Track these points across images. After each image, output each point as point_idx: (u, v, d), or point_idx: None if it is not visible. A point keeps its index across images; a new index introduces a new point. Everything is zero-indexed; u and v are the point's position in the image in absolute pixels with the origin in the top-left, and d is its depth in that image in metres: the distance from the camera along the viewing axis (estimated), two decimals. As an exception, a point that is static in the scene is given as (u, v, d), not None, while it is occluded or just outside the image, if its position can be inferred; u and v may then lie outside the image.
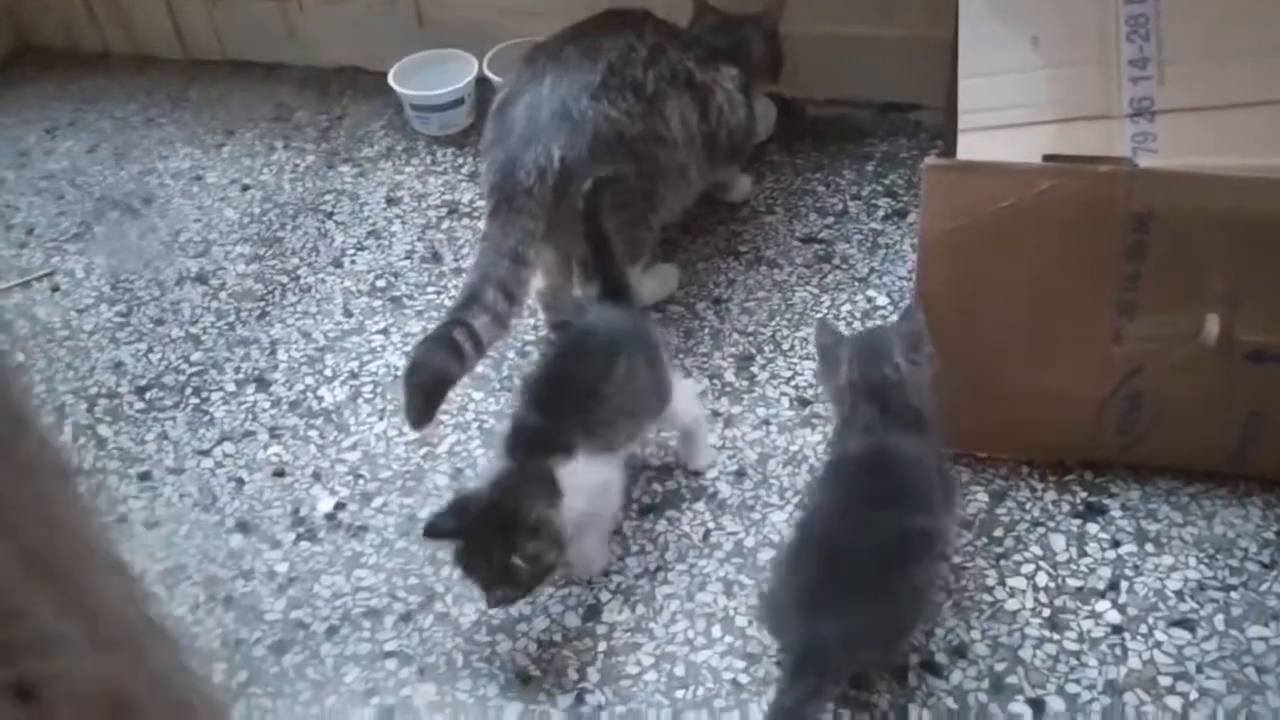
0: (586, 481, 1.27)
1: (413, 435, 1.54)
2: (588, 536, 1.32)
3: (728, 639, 1.29)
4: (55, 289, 1.87)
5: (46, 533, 0.44)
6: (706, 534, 1.40)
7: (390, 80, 2.08)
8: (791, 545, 1.24)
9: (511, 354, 1.66)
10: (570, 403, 1.30)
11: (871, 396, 1.26)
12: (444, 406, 1.54)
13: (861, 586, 1.15)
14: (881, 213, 1.84)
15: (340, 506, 1.48)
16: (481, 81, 2.06)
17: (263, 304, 1.80)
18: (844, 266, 1.75)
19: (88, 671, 0.42)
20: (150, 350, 1.74)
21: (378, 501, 1.48)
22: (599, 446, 1.30)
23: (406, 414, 1.37)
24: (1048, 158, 1.26)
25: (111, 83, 2.35)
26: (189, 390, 1.67)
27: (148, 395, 1.66)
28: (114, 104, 2.29)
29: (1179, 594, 1.29)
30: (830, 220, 1.83)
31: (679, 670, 1.27)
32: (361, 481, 1.51)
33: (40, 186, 2.09)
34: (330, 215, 1.96)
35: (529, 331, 1.69)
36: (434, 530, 1.25)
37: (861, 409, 1.26)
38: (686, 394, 1.46)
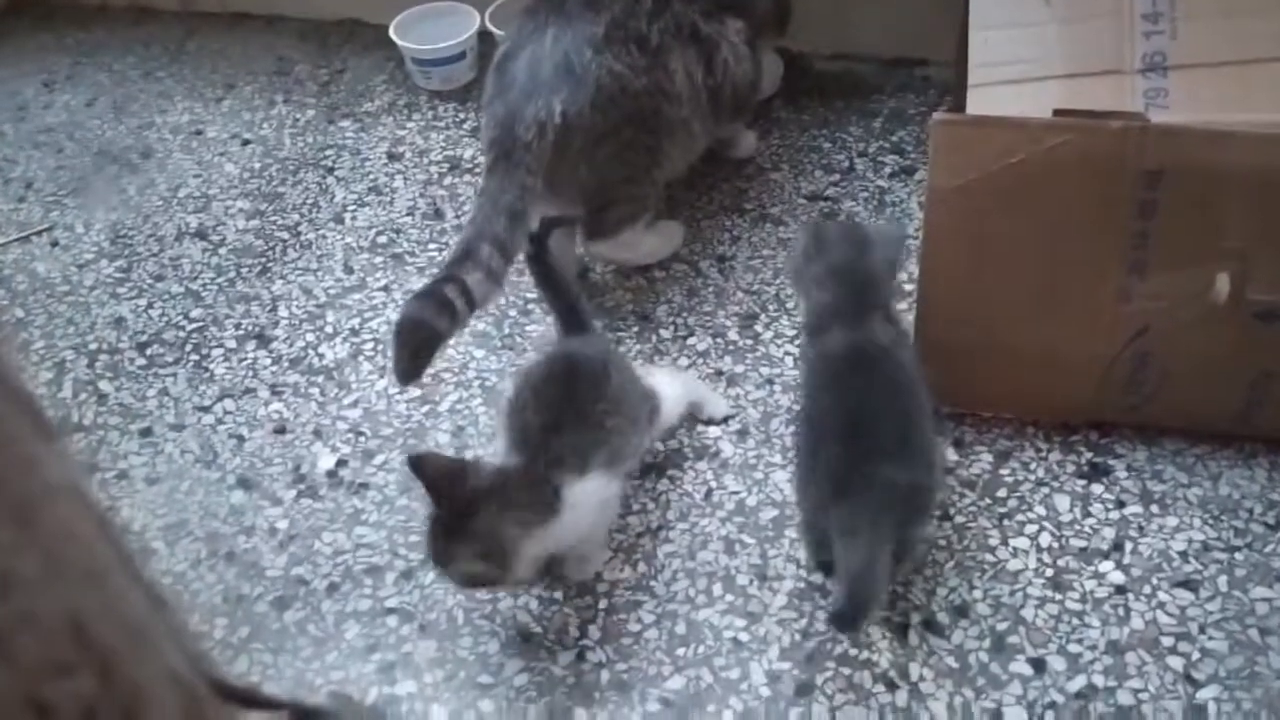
0: (594, 499, 1.25)
1: (414, 392, 1.54)
2: (587, 544, 1.31)
3: (728, 597, 1.29)
4: (54, 244, 1.85)
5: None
6: (708, 493, 1.39)
7: (391, 33, 2.06)
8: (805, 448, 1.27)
9: (514, 312, 1.65)
10: (576, 421, 1.26)
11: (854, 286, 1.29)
12: (445, 364, 1.55)
13: (881, 460, 1.18)
14: (888, 170, 1.82)
15: (341, 464, 1.48)
16: (483, 35, 2.04)
17: (263, 260, 1.79)
18: (850, 224, 1.73)
19: (48, 606, 0.41)
20: (150, 306, 1.73)
21: (379, 459, 1.48)
22: (607, 462, 1.26)
23: (394, 369, 1.35)
24: (1058, 113, 1.24)
25: (110, 35, 2.32)
26: (189, 346, 1.66)
27: (148, 351, 1.66)
28: (112, 56, 2.26)
29: (1183, 555, 1.29)
30: (836, 177, 1.81)
31: (680, 628, 1.27)
32: (362, 439, 1.51)
33: (38, 140, 2.07)
34: (331, 170, 1.94)
35: (531, 289, 1.67)
36: (414, 465, 1.20)
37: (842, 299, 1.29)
38: (666, 384, 1.42)
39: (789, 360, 1.54)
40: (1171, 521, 1.32)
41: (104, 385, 1.61)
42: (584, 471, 1.23)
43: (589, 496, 1.23)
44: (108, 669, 0.43)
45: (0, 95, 2.18)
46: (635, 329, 1.61)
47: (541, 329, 1.62)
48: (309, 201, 1.88)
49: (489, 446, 1.47)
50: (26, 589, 0.40)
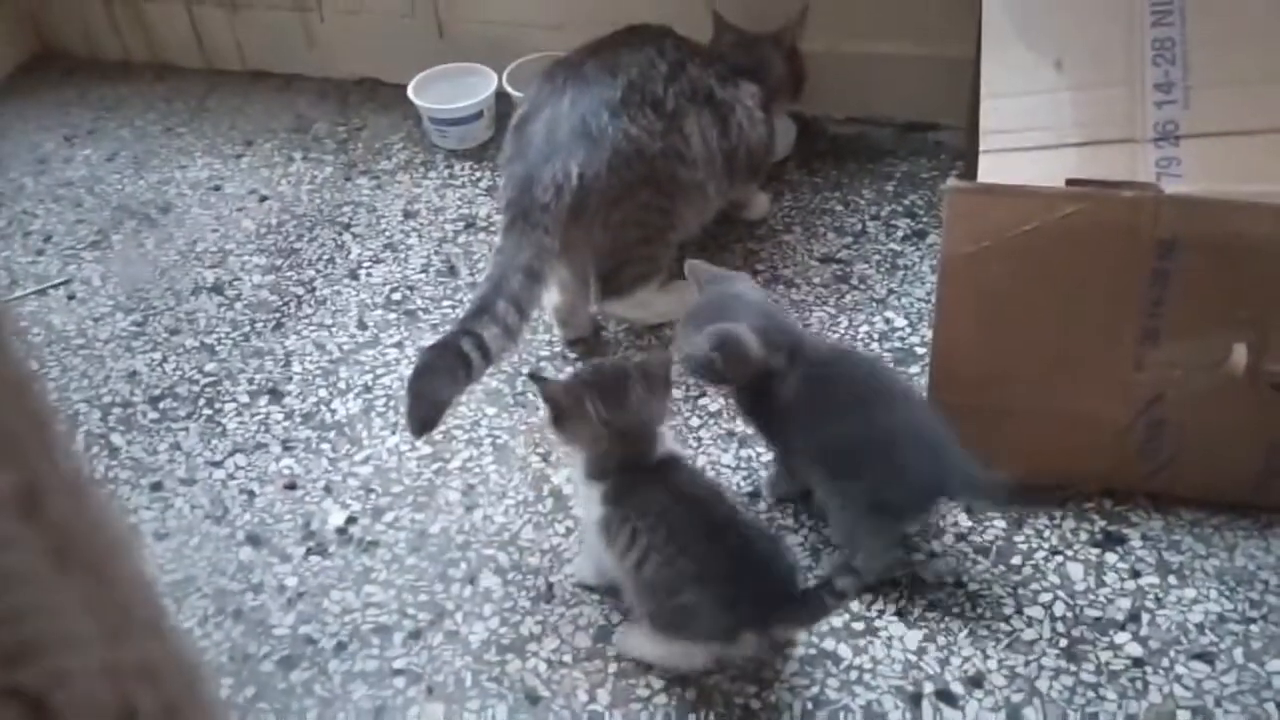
0: None
1: (425, 449, 1.54)
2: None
3: (739, 663, 1.27)
4: (71, 297, 1.87)
5: (73, 508, 0.42)
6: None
7: (409, 93, 2.08)
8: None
9: (527, 369, 1.65)
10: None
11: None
12: (456, 421, 1.55)
13: None
14: (901, 233, 1.83)
15: (351, 521, 1.47)
16: (501, 96, 2.06)
17: (278, 315, 1.80)
18: (862, 287, 1.74)
19: (97, 671, 0.41)
20: (164, 360, 1.74)
21: (389, 516, 1.47)
22: None
23: (409, 418, 1.36)
24: (1071, 182, 1.25)
25: (132, 91, 2.36)
26: (202, 401, 1.66)
27: (161, 405, 1.66)
28: (134, 112, 2.29)
29: (1199, 626, 1.27)
30: (849, 240, 1.82)
31: (690, 694, 1.25)
32: (373, 496, 1.50)
33: (58, 194, 2.09)
34: (347, 227, 1.96)
35: (544, 347, 1.68)
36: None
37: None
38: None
39: (801, 422, 1.54)
40: (1189, 593, 1.30)
41: (116, 439, 1.61)
42: None
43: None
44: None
45: (22, 149, 2.21)
46: (647, 389, 1.61)
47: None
48: (325, 257, 1.90)
49: (500, 504, 1.47)
50: (108, 642, 0.40)
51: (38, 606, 0.39)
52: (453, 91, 2.08)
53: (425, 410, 1.35)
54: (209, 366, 1.72)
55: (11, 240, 1.99)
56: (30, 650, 0.38)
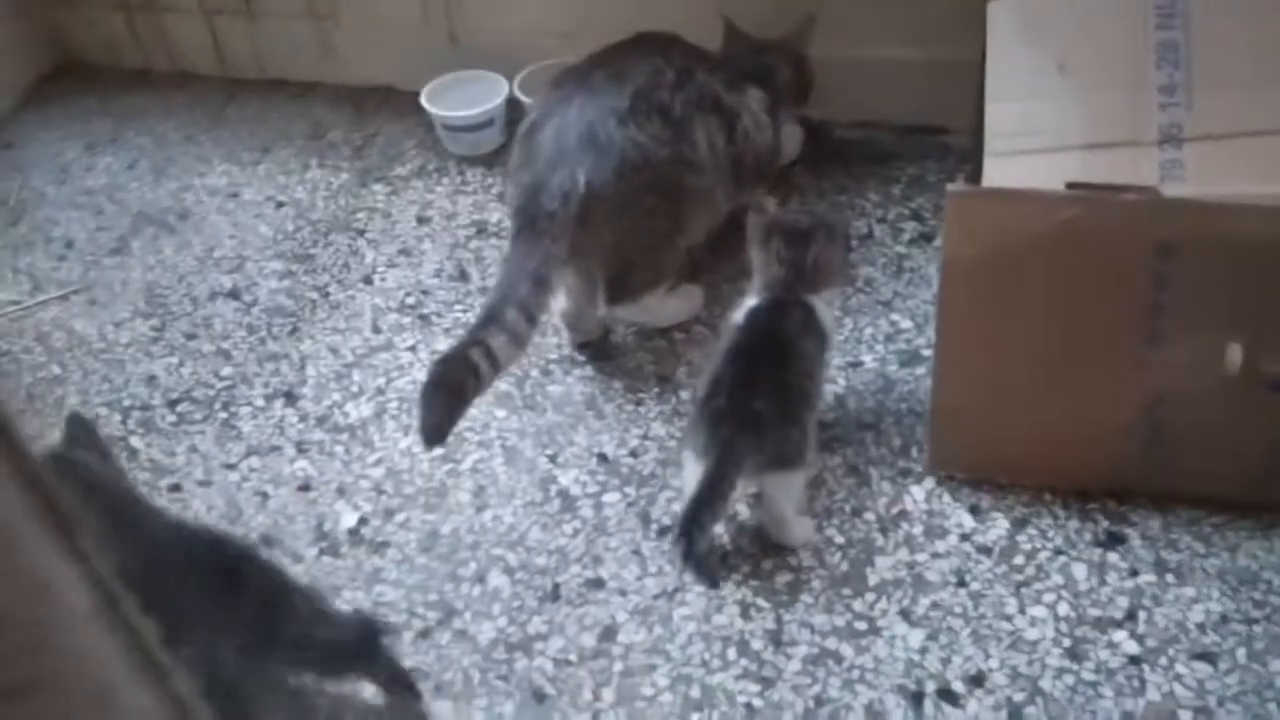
0: None
1: (437, 451, 1.56)
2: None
3: (743, 662, 1.29)
4: (92, 302, 1.90)
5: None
6: (725, 556, 1.40)
7: (422, 100, 2.11)
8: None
9: (535, 372, 1.67)
10: None
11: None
12: (467, 424, 1.57)
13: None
14: (907, 236, 1.84)
15: (363, 522, 1.50)
16: (512, 103, 2.08)
17: (293, 319, 1.83)
18: (867, 290, 1.75)
19: None
20: (182, 364, 1.77)
21: (400, 517, 1.50)
22: None
23: (420, 431, 1.39)
24: (1071, 185, 1.26)
25: (152, 99, 2.39)
26: (218, 404, 1.69)
27: (178, 408, 1.69)
28: (154, 120, 2.33)
29: (1200, 626, 1.28)
30: (854, 243, 1.83)
31: (694, 692, 1.27)
32: (384, 497, 1.53)
33: (79, 201, 2.13)
34: (362, 233, 1.98)
35: (552, 350, 1.70)
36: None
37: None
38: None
39: (807, 424, 1.55)
40: (1189, 592, 1.31)
41: (135, 441, 1.64)
42: None
43: None
44: None
45: (44, 157, 2.25)
46: (656, 390, 1.63)
47: (562, 389, 1.64)
48: (339, 263, 1.93)
49: (508, 505, 1.49)
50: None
51: None
52: (465, 98, 2.10)
53: (436, 422, 1.38)
54: (225, 370, 1.75)
55: (34, 247, 2.02)
56: None
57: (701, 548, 1.30)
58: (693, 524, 1.30)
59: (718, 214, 1.70)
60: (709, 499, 1.31)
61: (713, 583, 1.34)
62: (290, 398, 1.69)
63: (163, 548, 1.18)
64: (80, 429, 1.33)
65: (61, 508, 0.43)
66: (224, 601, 1.14)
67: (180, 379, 1.74)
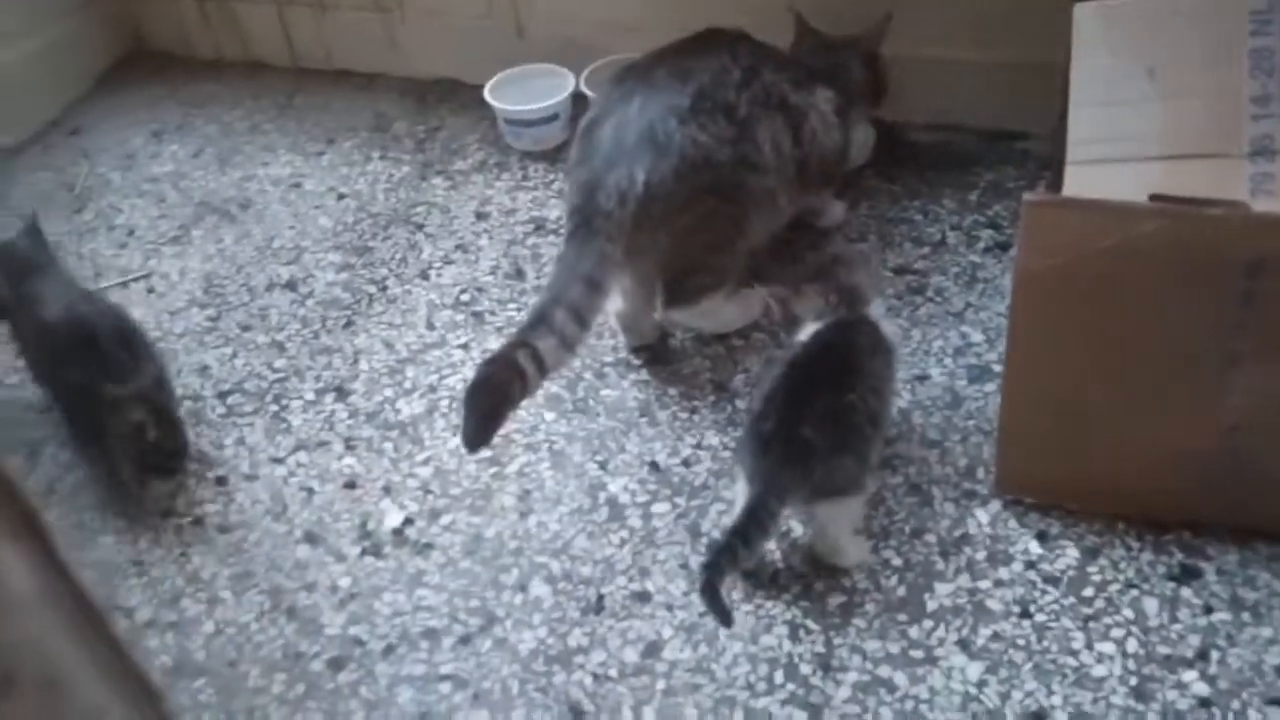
0: None
1: (485, 453, 1.52)
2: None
3: (790, 686, 1.24)
4: (150, 290, 1.90)
5: None
6: (775, 574, 1.35)
7: (486, 94, 2.08)
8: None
9: (589, 375, 1.63)
10: None
11: None
12: (515, 425, 1.54)
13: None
14: (982, 245, 1.77)
15: (408, 522, 1.47)
16: (578, 98, 2.05)
17: (349, 313, 1.81)
18: (938, 299, 1.68)
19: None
20: (235, 355, 1.76)
21: (445, 519, 1.47)
22: None
23: (463, 435, 1.36)
24: (1154, 197, 1.19)
25: (221, 88, 2.40)
26: (269, 397, 1.68)
27: (229, 400, 1.68)
28: (221, 109, 2.33)
29: (1277, 669, 1.20)
30: (926, 250, 1.77)
31: (738, 716, 1.22)
32: (431, 497, 1.50)
33: (144, 189, 2.14)
34: (420, 227, 1.96)
35: (608, 353, 1.66)
36: None
37: None
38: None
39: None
40: (1266, 632, 1.23)
41: (186, 432, 1.63)
42: None
43: None
44: None
45: (111, 144, 2.26)
46: (711, 398, 1.58)
47: (615, 394, 1.60)
48: (397, 257, 1.90)
49: (554, 511, 1.45)
50: None
51: None
52: (529, 93, 2.07)
53: (478, 427, 1.35)
54: (278, 363, 1.73)
55: (97, 233, 2.04)
56: None
57: (725, 580, 1.24)
58: (724, 555, 1.24)
59: (781, 217, 1.65)
60: (745, 532, 1.25)
61: (726, 621, 1.26)
62: (341, 392, 1.67)
63: (83, 310, 1.57)
64: (33, 230, 1.68)
65: None
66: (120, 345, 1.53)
67: (233, 370, 1.73)
